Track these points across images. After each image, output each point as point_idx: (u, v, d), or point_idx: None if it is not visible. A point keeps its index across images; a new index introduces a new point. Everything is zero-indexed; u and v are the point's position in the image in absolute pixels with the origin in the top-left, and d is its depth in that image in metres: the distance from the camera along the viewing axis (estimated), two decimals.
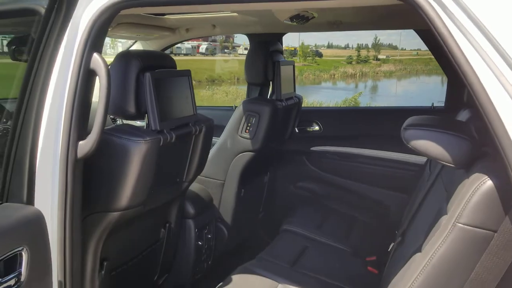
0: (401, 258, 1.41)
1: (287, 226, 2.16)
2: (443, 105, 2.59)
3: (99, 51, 1.21)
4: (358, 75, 42.29)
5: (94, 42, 1.18)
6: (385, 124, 2.57)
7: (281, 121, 2.38)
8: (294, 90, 2.54)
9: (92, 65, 1.17)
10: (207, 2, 1.13)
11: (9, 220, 0.93)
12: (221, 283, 1.62)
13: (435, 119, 1.28)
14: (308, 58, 46.67)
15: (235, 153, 2.23)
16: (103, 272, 1.48)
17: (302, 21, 1.80)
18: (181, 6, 1.31)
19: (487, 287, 1.00)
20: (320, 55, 51.25)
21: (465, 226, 1.00)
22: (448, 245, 1.04)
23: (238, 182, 2.26)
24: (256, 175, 2.48)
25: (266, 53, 2.32)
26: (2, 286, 0.87)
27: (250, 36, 2.54)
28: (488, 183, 0.97)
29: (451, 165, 1.14)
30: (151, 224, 1.77)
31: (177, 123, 1.55)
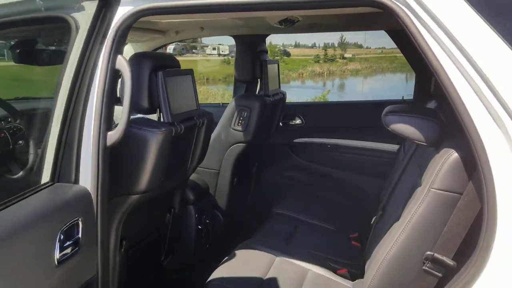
0: (382, 228, 1.65)
1: (278, 210, 2.38)
2: (411, 98, 2.87)
3: (122, 53, 1.39)
4: (325, 73, 42.97)
5: (118, 45, 1.36)
6: (361, 116, 2.83)
7: (269, 115, 2.60)
8: (279, 87, 2.77)
9: (117, 66, 1.35)
10: (217, 11, 1.33)
11: (67, 196, 1.11)
12: (226, 257, 1.82)
13: (410, 106, 1.53)
14: (276, 57, 47.14)
15: (229, 145, 2.43)
16: (122, 250, 1.66)
17: (289, 24, 2.02)
18: (193, 14, 1.50)
19: (456, 239, 1.25)
20: (288, 54, 51.71)
21: (437, 191, 1.25)
22: (424, 207, 1.28)
23: (231, 172, 2.47)
24: (246, 165, 2.69)
25: (254, 53, 2.54)
26: (68, 248, 1.04)
27: (236, 37, 2.75)
28: (455, 155, 1.21)
29: (423, 143, 1.39)
30: (159, 210, 1.96)
31: (184, 116, 1.74)
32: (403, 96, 2.79)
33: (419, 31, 1.12)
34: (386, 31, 2.58)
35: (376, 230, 1.78)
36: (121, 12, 1.37)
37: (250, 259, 1.84)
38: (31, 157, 2.25)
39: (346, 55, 57.21)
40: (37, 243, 0.97)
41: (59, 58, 1.67)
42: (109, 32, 1.36)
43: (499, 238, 1.05)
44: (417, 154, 1.74)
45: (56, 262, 1.01)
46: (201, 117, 1.86)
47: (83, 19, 1.36)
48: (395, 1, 1.15)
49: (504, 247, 1.04)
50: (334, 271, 1.86)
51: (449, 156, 1.22)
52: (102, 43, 1.25)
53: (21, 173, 2.10)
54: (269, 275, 1.75)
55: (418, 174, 1.47)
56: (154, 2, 1.35)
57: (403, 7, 1.14)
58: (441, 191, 1.24)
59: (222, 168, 2.47)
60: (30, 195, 1.04)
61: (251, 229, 2.28)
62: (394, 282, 1.32)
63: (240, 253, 1.86)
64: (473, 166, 1.15)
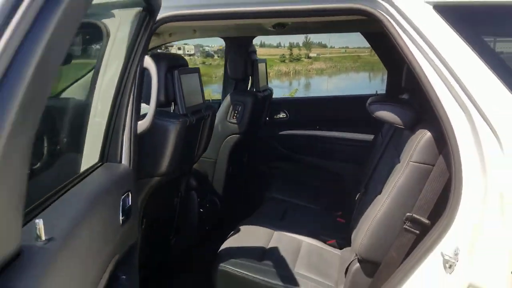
0: (366, 201, 1.94)
1: (270, 194, 2.66)
2: (383, 92, 3.20)
3: (147, 54, 1.63)
4: (292, 73, 43.69)
5: (145, 47, 1.59)
6: (340, 109, 3.15)
7: (260, 109, 2.87)
8: (267, 84, 3.05)
9: (145, 65, 1.59)
10: (232, 18, 1.59)
11: (119, 172, 1.34)
12: (231, 233, 2.08)
13: (390, 97, 1.83)
14: None
15: (225, 136, 2.69)
16: (142, 226, 1.89)
17: (280, 28, 2.30)
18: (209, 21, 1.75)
19: (430, 202, 1.55)
20: None
21: (415, 163, 1.54)
22: (404, 177, 1.57)
23: (227, 161, 2.72)
24: (240, 155, 2.95)
25: (246, 54, 2.80)
26: (124, 215, 1.27)
27: (226, 39, 3.00)
28: (428, 134, 1.52)
29: (401, 127, 1.69)
30: (169, 194, 2.20)
31: (195, 109, 1.98)
32: (376, 91, 3.12)
33: (398, 34, 1.40)
34: (362, 33, 2.90)
35: (360, 205, 2.08)
36: None
37: (252, 233, 2.10)
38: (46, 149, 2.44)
39: (311, 55, 58.32)
40: (111, 206, 1.20)
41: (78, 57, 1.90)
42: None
43: (463, 201, 1.35)
44: (394, 139, 2.05)
45: (120, 222, 1.24)
46: (207, 110, 2.11)
47: (114, 25, 1.59)
48: (379, 10, 1.44)
49: (467, 208, 1.34)
50: (324, 242, 2.14)
51: (424, 135, 1.52)
52: (145, 47, 1.48)
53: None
54: (270, 245, 2.01)
55: (397, 154, 1.77)
56: (178, 10, 1.60)
57: (386, 15, 1.43)
58: (417, 164, 1.54)
59: (219, 157, 2.72)
60: (93, 171, 1.26)
61: (245, 212, 2.54)
62: (380, 239, 1.61)
63: (243, 229, 2.12)
64: (443, 142, 1.45)
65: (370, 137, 2.97)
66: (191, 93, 1.98)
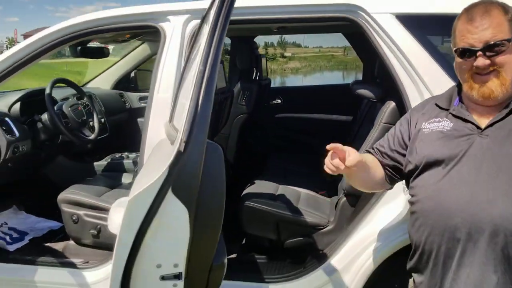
0: None
1: (271, 162, 3.33)
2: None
3: None
4: (268, 72, 44.39)
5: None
6: (326, 95, 3.85)
7: (261, 95, 3.55)
8: (267, 75, 3.73)
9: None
10: (259, 23, 2.23)
11: None
12: (248, 184, 2.73)
13: (366, 81, 2.52)
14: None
15: (236, 116, 3.35)
16: None
17: (282, 30, 2.97)
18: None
19: None
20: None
21: (385, 124, 2.23)
22: (377, 134, 2.25)
23: (237, 136, 3.38)
24: (246, 133, 3.62)
25: (251, 49, 3.47)
26: None
27: (233, 38, 3.66)
28: (393, 103, 2.21)
29: (374, 100, 2.39)
30: None
31: (220, 90, 2.63)
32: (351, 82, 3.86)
33: (373, 35, 2.08)
34: (343, 33, 3.61)
35: None
36: (193, 24, 2.24)
37: (263, 186, 2.76)
38: (96, 123, 3.03)
39: (286, 54, 59.22)
40: None
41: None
42: (190, 34, 2.22)
43: None
44: (369, 114, 2.75)
45: None
46: (228, 92, 2.76)
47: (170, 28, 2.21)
48: (360, 19, 2.11)
49: None
50: (317, 192, 2.82)
51: (390, 104, 2.22)
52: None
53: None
54: (278, 193, 2.68)
55: (371, 123, 2.47)
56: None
57: (365, 22, 2.10)
58: (386, 124, 2.23)
59: (231, 133, 3.37)
60: None
61: (252, 177, 3.18)
62: None
63: (257, 183, 2.78)
64: (402, 109, 2.14)
65: (349, 118, 3.67)
66: (219, 78, 2.63)
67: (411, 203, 1.51)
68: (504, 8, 1.35)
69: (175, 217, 1.13)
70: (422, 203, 1.43)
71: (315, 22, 2.33)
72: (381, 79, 2.79)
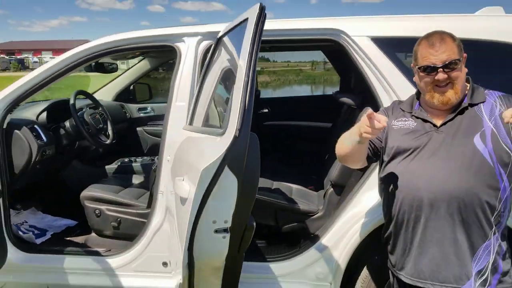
0: (333, 155, 3.10)
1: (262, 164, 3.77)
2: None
3: None
4: None
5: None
6: (308, 105, 4.35)
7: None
8: (257, 87, 4.20)
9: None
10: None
11: None
12: None
13: (346, 90, 3.02)
14: None
15: None
16: None
17: (273, 48, 3.44)
18: None
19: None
20: None
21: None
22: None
23: None
24: None
25: None
26: None
27: None
28: (370, 109, 2.69)
29: (354, 106, 2.88)
30: None
31: None
32: (333, 92, 4.36)
33: (353, 54, 2.57)
34: (323, 51, 4.12)
35: (329, 157, 3.24)
36: (204, 44, 2.68)
37: (261, 181, 3.15)
38: (110, 130, 3.41)
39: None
40: None
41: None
42: (202, 53, 2.66)
43: None
44: (348, 119, 3.24)
45: None
46: None
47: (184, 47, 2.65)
48: (342, 40, 2.60)
49: None
50: (306, 187, 3.28)
51: (367, 109, 2.69)
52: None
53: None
54: (274, 187, 3.13)
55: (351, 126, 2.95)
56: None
57: (346, 43, 2.59)
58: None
59: None
60: None
61: None
62: (345, 170, 2.74)
63: None
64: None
65: (329, 124, 4.17)
66: None
67: (385, 183, 1.97)
68: (453, 36, 1.85)
69: (229, 184, 1.55)
70: (395, 182, 1.90)
71: (305, 43, 2.81)
72: (357, 89, 3.30)
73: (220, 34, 2.45)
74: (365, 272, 2.51)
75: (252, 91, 1.59)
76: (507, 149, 1.76)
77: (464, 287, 1.77)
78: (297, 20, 2.69)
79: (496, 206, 1.75)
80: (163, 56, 4.18)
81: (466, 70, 1.86)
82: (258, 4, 1.70)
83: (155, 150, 4.22)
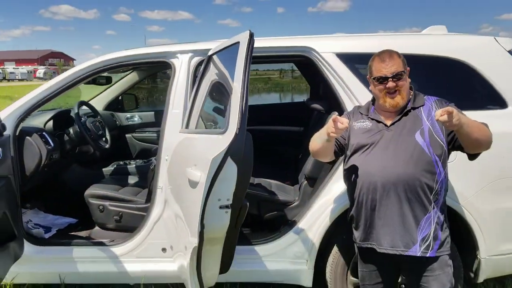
0: (306, 153, 3.60)
1: None
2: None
3: None
4: None
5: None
6: (281, 111, 4.84)
7: None
8: None
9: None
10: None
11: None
12: None
13: (316, 98, 3.53)
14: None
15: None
16: None
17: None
18: None
19: None
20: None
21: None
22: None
23: None
24: None
25: None
26: None
27: None
28: (336, 113, 3.19)
29: (323, 111, 3.40)
30: None
31: None
32: (304, 99, 4.87)
33: (321, 67, 3.07)
34: (295, 63, 4.64)
35: (303, 155, 3.74)
36: (195, 60, 3.14)
37: None
38: (108, 136, 3.81)
39: None
40: None
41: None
42: (193, 67, 3.11)
43: None
44: (318, 123, 3.75)
45: None
46: None
47: (178, 63, 3.10)
48: (313, 57, 3.10)
49: None
50: (284, 182, 3.77)
51: (334, 113, 3.21)
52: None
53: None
54: (255, 182, 3.59)
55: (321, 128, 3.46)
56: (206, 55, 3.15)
57: (315, 58, 3.09)
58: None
59: None
60: None
61: None
62: (317, 165, 3.23)
63: None
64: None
65: (300, 128, 4.67)
66: None
67: (349, 173, 2.46)
68: (399, 54, 2.35)
69: (230, 170, 2.01)
70: (356, 172, 2.40)
71: (281, 58, 3.31)
72: (325, 96, 3.82)
73: (211, 52, 2.91)
74: (335, 249, 2.99)
75: (247, 99, 2.06)
76: (440, 142, 2.27)
77: (411, 250, 2.28)
78: (275, 39, 3.19)
79: (433, 187, 2.26)
80: (149, 70, 4.61)
81: (409, 80, 2.34)
82: (248, 31, 2.17)
83: (143, 154, 4.65)
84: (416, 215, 2.26)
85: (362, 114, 2.48)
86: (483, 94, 2.99)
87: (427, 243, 2.27)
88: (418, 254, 2.25)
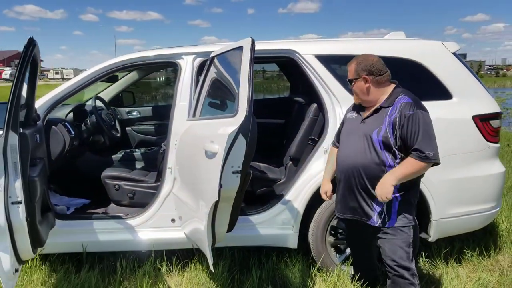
0: (290, 140, 4.25)
1: None
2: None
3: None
4: None
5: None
6: (265, 105, 5.48)
7: None
8: None
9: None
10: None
11: None
12: None
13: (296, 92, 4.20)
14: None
15: None
16: None
17: None
18: None
19: (316, 133, 3.90)
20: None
21: (311, 116, 3.89)
22: (307, 123, 3.91)
23: None
24: None
25: None
26: None
27: None
28: (315, 105, 3.87)
29: (305, 103, 4.06)
30: None
31: None
32: (285, 94, 5.51)
33: (303, 67, 3.73)
34: (276, 63, 5.28)
35: (287, 141, 4.38)
36: (198, 60, 3.74)
37: None
38: (118, 127, 4.36)
39: None
40: None
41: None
42: (196, 67, 3.71)
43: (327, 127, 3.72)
44: (299, 114, 4.40)
45: None
46: None
47: (184, 63, 3.69)
48: (295, 58, 3.75)
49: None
50: (270, 165, 4.39)
51: (314, 106, 3.88)
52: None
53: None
54: None
55: (302, 118, 4.11)
56: (208, 57, 3.75)
57: (298, 59, 3.74)
58: (312, 116, 3.88)
59: None
60: None
61: None
62: (300, 148, 3.88)
63: None
64: (321, 108, 3.80)
65: (282, 120, 5.31)
66: None
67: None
68: (357, 62, 2.77)
69: (241, 144, 2.62)
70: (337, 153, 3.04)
71: (268, 59, 3.95)
72: (305, 91, 4.48)
73: (214, 54, 3.50)
74: (316, 216, 3.65)
75: (253, 89, 2.68)
76: (390, 141, 2.67)
77: (371, 220, 2.82)
78: (263, 42, 3.81)
79: (381, 176, 2.69)
80: (149, 69, 5.17)
81: (367, 85, 2.75)
82: (250, 38, 2.80)
83: (141, 145, 5.21)
84: (372, 194, 2.77)
85: (354, 105, 2.98)
86: (433, 88, 3.68)
87: (383, 215, 2.79)
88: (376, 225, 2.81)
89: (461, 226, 3.75)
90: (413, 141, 2.59)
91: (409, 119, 2.59)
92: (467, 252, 3.94)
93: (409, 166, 2.61)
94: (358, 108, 2.91)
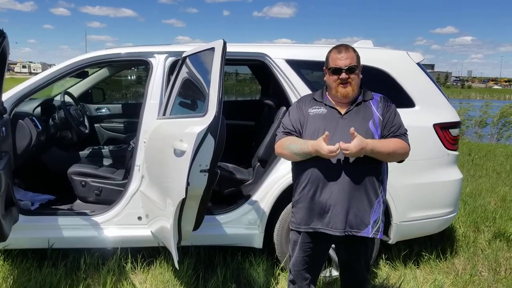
0: (260, 141, 4.32)
1: None
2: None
3: None
4: None
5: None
6: (235, 107, 5.54)
7: None
8: None
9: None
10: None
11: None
12: None
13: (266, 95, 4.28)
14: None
15: None
16: None
17: None
18: None
19: None
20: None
21: (281, 119, 3.97)
22: (275, 126, 3.99)
23: None
24: None
25: None
26: None
27: None
28: (284, 108, 3.95)
29: (274, 106, 4.14)
30: None
31: None
32: (257, 97, 5.58)
33: (274, 70, 3.81)
34: (248, 66, 5.35)
35: (257, 143, 4.45)
36: (170, 59, 3.76)
37: None
38: (87, 123, 4.34)
39: None
40: None
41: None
42: (168, 66, 3.74)
43: None
44: (269, 116, 4.48)
45: None
46: None
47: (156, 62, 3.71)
48: (266, 61, 3.83)
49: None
50: (239, 165, 4.45)
51: (283, 109, 3.95)
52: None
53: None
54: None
55: (271, 121, 4.19)
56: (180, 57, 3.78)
57: (269, 63, 3.82)
58: (281, 119, 3.92)
59: None
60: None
61: None
62: (269, 150, 3.96)
63: None
64: None
65: (252, 122, 5.38)
66: None
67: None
68: (354, 49, 2.50)
69: (209, 143, 2.67)
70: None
71: (239, 62, 4.01)
72: (275, 94, 4.56)
73: (186, 54, 3.54)
74: (281, 217, 3.72)
75: (223, 90, 2.73)
76: (388, 131, 2.54)
77: (364, 231, 2.52)
78: (236, 45, 3.87)
79: (381, 170, 2.58)
80: (121, 67, 5.15)
81: (361, 76, 2.54)
82: (222, 40, 2.85)
83: (110, 142, 5.18)
84: (369, 197, 2.53)
85: (317, 100, 2.58)
86: (397, 96, 3.81)
87: (378, 225, 2.57)
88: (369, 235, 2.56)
89: (420, 229, 3.90)
90: (395, 129, 2.56)
91: (389, 110, 2.56)
92: (425, 255, 4.10)
93: (392, 142, 2.51)
94: (325, 104, 2.56)
